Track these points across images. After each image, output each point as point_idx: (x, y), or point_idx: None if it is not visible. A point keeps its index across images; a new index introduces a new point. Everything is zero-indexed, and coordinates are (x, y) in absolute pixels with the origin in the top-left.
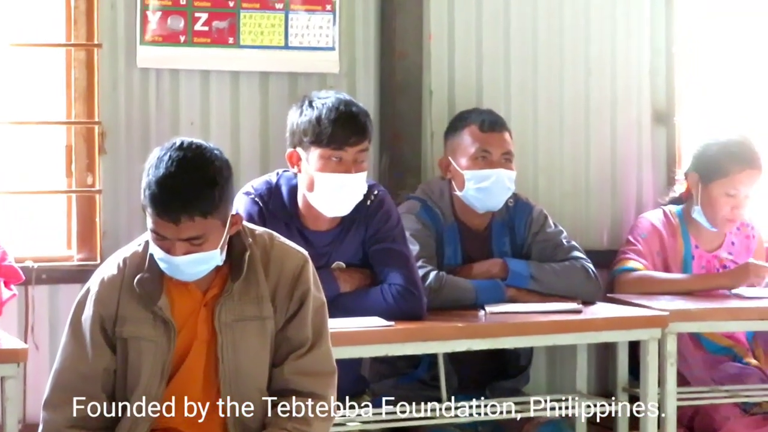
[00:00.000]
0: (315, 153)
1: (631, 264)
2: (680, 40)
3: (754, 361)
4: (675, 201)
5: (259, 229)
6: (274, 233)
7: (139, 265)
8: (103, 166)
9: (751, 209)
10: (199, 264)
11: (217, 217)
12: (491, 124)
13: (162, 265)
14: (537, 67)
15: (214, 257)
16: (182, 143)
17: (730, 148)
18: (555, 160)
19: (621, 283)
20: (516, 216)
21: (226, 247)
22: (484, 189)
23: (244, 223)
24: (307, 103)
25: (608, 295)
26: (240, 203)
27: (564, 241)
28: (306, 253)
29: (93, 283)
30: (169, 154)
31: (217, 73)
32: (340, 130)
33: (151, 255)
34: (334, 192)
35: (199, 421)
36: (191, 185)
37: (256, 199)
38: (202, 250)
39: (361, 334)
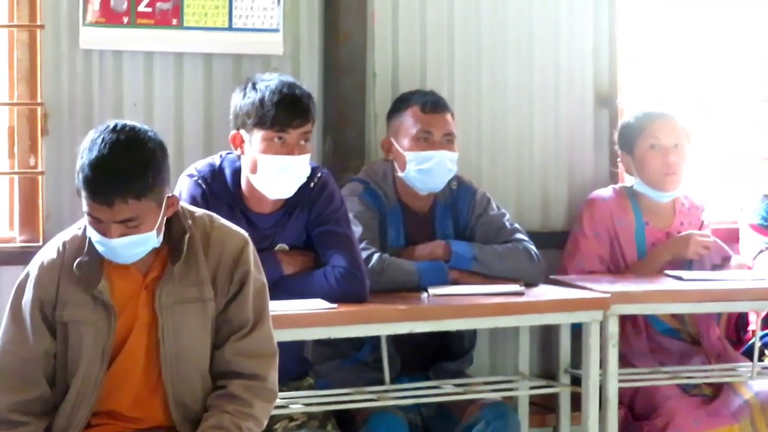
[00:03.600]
0: (258, 135)
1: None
2: (623, 22)
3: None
4: None
5: (199, 211)
6: (214, 215)
7: (79, 248)
8: (45, 148)
9: (688, 164)
10: (135, 246)
11: (151, 199)
12: (433, 105)
13: (99, 248)
14: (481, 48)
15: (150, 239)
16: (116, 126)
17: (639, 111)
18: (498, 141)
19: None
20: (459, 198)
21: (162, 229)
22: (426, 170)
23: (184, 204)
24: (250, 85)
25: (551, 276)
26: (183, 185)
27: (507, 223)
28: (246, 234)
29: (32, 267)
30: (102, 136)
31: (161, 54)
32: (283, 113)
33: (90, 238)
34: (277, 174)
35: (141, 403)
36: (124, 167)
37: (199, 181)
38: (138, 233)
39: (304, 317)
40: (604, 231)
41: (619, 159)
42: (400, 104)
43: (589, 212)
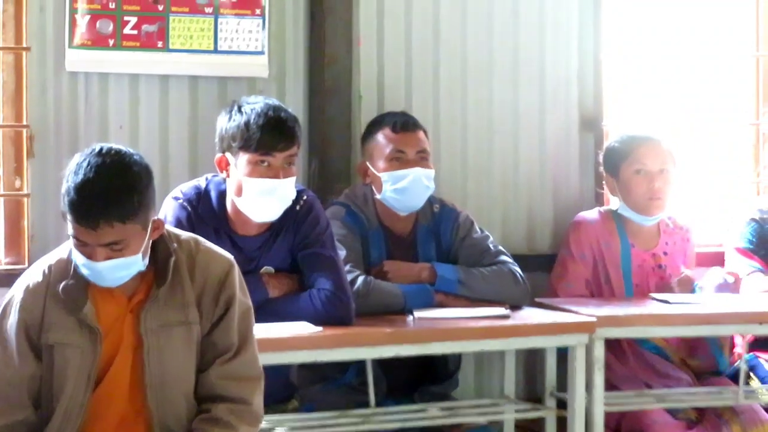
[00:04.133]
0: (243, 158)
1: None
2: (607, 45)
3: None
4: None
5: (185, 234)
6: (200, 238)
7: (64, 271)
8: (31, 170)
9: (673, 188)
10: (120, 269)
11: (136, 222)
12: (404, 124)
13: (84, 271)
14: (466, 71)
15: (135, 262)
16: (101, 149)
17: (625, 134)
18: (484, 164)
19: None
20: (442, 221)
21: (148, 252)
22: (402, 189)
23: (169, 228)
24: (236, 108)
25: (536, 299)
26: (168, 208)
27: (491, 245)
28: (232, 257)
29: (17, 290)
30: (87, 160)
31: (146, 76)
32: (268, 136)
33: (75, 261)
34: (262, 197)
35: (126, 426)
36: (109, 191)
37: (185, 203)
38: (123, 256)
39: (289, 340)
40: (589, 253)
41: (604, 181)
42: (372, 128)
43: (575, 235)
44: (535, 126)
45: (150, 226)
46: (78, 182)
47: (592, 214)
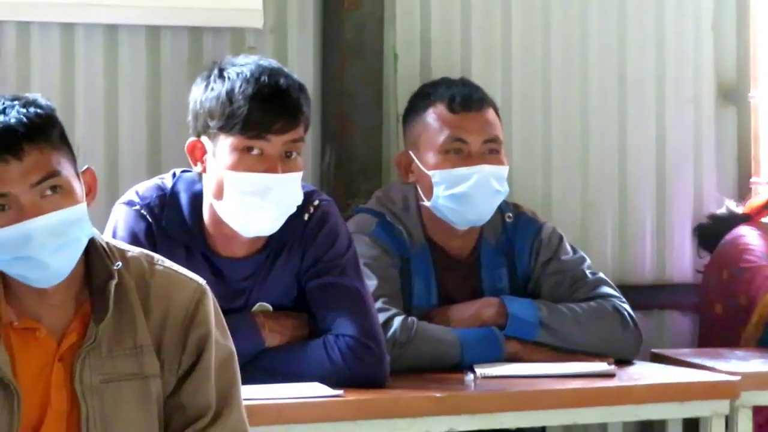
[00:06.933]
0: (225, 143)
1: None
2: None
3: None
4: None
5: (134, 250)
6: (156, 255)
7: None
8: None
9: None
10: (65, 229)
11: (67, 158)
12: (466, 99)
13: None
14: (550, 22)
15: (83, 216)
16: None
17: None
18: (575, 157)
19: None
20: (517, 238)
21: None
22: (461, 195)
23: (111, 240)
24: (216, 72)
25: (653, 350)
26: (119, 217)
27: (587, 272)
28: (202, 281)
29: None
30: None
31: (85, 27)
32: (261, 111)
33: None
34: (251, 200)
35: None
36: (25, 115)
37: (143, 212)
38: (63, 205)
39: (295, 408)
40: None
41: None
42: (418, 102)
43: (743, 245)
44: (650, 101)
45: (80, 176)
46: None
47: (745, 231)
